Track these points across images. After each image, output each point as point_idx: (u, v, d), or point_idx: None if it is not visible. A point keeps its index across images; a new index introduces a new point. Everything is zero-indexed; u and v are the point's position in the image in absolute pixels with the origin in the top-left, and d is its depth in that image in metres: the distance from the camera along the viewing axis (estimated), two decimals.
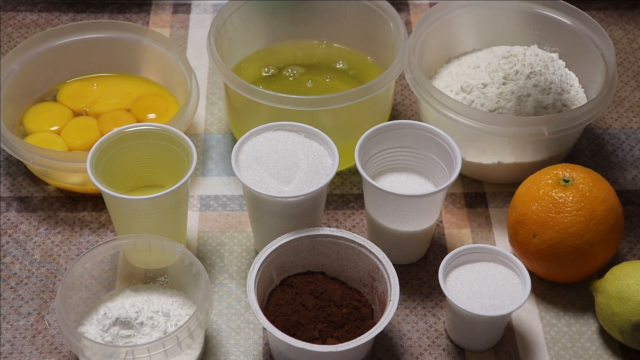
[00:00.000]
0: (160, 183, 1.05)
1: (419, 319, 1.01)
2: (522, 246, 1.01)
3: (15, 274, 1.04)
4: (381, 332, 0.92)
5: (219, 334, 1.00)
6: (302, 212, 0.99)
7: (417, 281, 1.05)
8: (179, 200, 0.99)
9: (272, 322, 0.92)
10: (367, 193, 1.02)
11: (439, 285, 0.98)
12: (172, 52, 1.17)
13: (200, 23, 1.32)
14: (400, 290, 1.00)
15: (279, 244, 0.97)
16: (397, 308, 1.01)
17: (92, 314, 0.97)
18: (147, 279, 1.00)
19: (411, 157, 1.05)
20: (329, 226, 1.09)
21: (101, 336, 0.93)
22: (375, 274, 0.96)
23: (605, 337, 1.00)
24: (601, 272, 1.03)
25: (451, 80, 1.15)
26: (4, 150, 1.15)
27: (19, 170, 1.14)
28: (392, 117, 1.20)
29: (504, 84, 1.11)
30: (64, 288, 0.93)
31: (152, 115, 1.16)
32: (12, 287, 1.03)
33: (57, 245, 1.07)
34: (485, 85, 1.11)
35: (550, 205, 0.99)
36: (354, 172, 1.15)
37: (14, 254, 1.06)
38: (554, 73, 1.13)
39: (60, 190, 1.12)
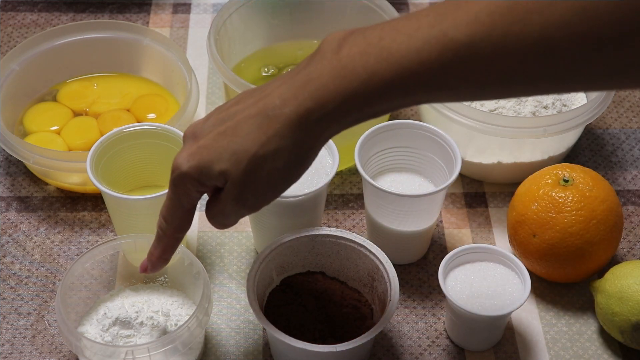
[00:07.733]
0: (160, 183, 1.05)
1: (419, 319, 1.01)
2: (522, 246, 1.01)
3: (15, 274, 1.04)
4: (381, 332, 0.92)
5: (219, 334, 1.00)
6: (302, 212, 0.99)
7: (417, 281, 1.04)
8: None
9: (272, 322, 0.92)
10: (367, 193, 1.02)
11: (438, 285, 0.98)
12: (172, 52, 1.17)
13: (200, 23, 1.32)
14: (400, 290, 1.00)
15: (278, 243, 0.97)
16: (397, 308, 1.01)
17: (92, 314, 0.97)
18: (147, 279, 1.00)
19: (411, 157, 1.05)
20: (329, 226, 1.09)
21: (101, 336, 0.93)
22: (375, 274, 0.96)
23: (605, 337, 1.00)
24: (601, 272, 1.03)
25: None
26: (4, 150, 1.15)
27: (19, 170, 1.14)
28: (392, 117, 1.20)
29: None
30: (63, 288, 0.93)
31: (152, 115, 1.16)
32: (12, 287, 1.03)
33: (57, 245, 1.07)
34: None
35: (550, 205, 0.99)
36: (354, 172, 1.15)
37: (14, 254, 1.06)
38: None
39: (60, 190, 1.12)
